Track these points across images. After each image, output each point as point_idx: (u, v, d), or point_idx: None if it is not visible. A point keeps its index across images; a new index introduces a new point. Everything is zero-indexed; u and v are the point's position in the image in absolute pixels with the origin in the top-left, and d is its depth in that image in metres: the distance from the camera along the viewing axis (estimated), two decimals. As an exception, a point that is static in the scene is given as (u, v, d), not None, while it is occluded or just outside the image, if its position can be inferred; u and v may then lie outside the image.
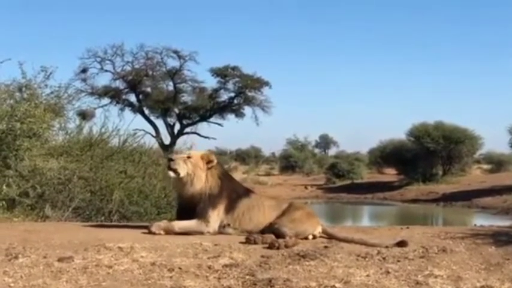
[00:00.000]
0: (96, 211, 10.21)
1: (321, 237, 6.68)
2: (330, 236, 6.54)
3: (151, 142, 12.87)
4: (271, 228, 6.51)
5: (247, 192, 6.82)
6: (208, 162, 6.60)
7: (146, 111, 49.46)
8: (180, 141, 44.76)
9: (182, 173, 6.48)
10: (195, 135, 47.91)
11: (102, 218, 10.11)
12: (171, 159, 6.50)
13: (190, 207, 6.53)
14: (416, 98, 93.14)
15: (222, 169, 6.76)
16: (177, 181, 6.60)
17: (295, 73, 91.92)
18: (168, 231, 6.62)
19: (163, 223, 6.77)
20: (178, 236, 6.51)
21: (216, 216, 6.54)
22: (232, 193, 6.63)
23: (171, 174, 6.51)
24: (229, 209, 6.58)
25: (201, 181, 6.50)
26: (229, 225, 6.65)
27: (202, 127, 50.06)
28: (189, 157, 6.52)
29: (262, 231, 6.51)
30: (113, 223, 9.29)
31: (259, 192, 7.45)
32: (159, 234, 6.65)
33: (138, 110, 48.64)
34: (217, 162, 6.70)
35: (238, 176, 39.08)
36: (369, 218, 29.89)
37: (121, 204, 10.37)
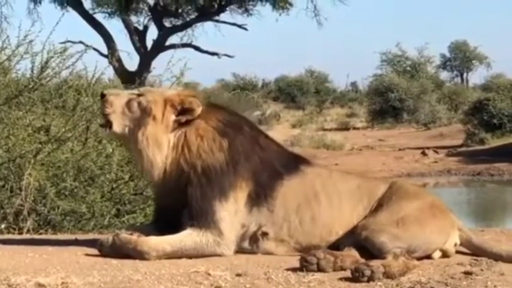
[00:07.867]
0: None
1: (458, 252, 4.43)
2: (475, 251, 4.39)
3: (100, 67, 7.76)
4: (354, 238, 4.19)
5: (299, 164, 4.36)
6: (182, 111, 4.25)
7: (87, 5, 28.93)
8: (160, 63, 26.36)
9: (116, 126, 4.28)
10: (191, 51, 28.26)
11: (2, 225, 6.70)
12: (102, 96, 4.35)
13: (171, 199, 4.22)
14: None
15: (230, 118, 4.36)
16: (128, 145, 4.50)
17: None
18: (141, 253, 4.13)
19: (129, 237, 4.19)
20: (161, 260, 4.16)
21: (230, 216, 4.20)
22: (263, 167, 4.24)
23: (100, 127, 4.44)
24: (260, 200, 4.22)
25: (160, 147, 4.23)
26: (265, 234, 4.23)
27: (205, 33, 30.40)
28: (140, 95, 4.31)
29: (335, 245, 4.21)
30: (25, 236, 6.25)
31: (326, 166, 4.98)
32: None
33: (70, 1, 28.02)
34: (212, 107, 4.32)
35: (283, 132, 27.35)
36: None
37: (39, 197, 6.75)
